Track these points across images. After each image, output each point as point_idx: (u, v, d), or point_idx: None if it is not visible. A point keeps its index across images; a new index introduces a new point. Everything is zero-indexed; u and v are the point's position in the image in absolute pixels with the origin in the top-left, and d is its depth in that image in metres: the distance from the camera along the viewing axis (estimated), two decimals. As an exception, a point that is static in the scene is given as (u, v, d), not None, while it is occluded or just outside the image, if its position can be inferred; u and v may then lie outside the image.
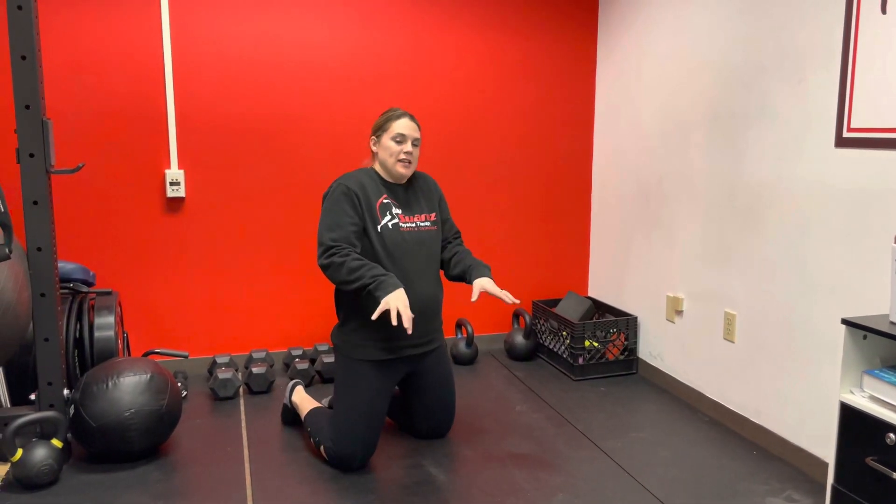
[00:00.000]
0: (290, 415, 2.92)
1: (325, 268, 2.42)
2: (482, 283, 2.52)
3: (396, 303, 2.30)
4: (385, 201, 2.53)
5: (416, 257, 2.55)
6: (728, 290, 2.95)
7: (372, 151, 2.62)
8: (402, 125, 2.53)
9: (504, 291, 2.46)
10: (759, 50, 2.72)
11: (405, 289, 2.49)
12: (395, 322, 2.29)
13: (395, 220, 2.52)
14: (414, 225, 2.57)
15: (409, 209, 2.59)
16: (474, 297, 2.47)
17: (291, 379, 3.35)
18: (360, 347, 2.54)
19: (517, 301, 2.48)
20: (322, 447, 2.57)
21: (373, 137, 2.60)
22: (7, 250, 2.20)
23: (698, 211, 3.12)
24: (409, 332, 2.30)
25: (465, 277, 2.63)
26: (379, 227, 2.50)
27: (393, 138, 2.52)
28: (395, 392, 2.87)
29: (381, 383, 2.56)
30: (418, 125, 2.59)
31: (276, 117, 3.46)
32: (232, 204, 3.46)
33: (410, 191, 2.64)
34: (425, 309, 2.58)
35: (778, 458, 2.68)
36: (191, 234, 3.43)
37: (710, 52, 2.99)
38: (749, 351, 2.85)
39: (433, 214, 2.66)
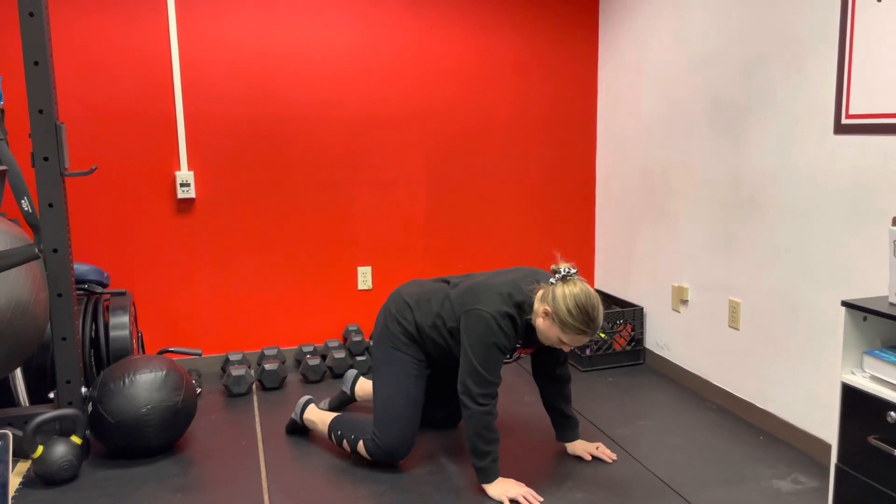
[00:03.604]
0: (296, 428, 2.85)
1: (481, 409, 2.34)
2: (576, 448, 2.64)
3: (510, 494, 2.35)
4: (517, 345, 2.48)
5: None
6: (732, 279, 2.98)
7: (545, 313, 2.33)
8: (580, 341, 2.34)
9: (600, 450, 2.61)
10: (758, 40, 2.75)
11: None
12: None
13: (509, 357, 2.48)
14: (518, 356, 2.57)
15: (523, 346, 2.53)
16: (576, 452, 2.64)
17: (303, 374, 3.40)
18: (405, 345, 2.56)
19: (614, 456, 2.60)
20: (361, 443, 2.52)
21: (550, 310, 2.29)
22: (37, 250, 2.24)
23: (701, 200, 3.15)
24: None
25: (555, 428, 2.69)
26: None
27: (563, 339, 2.33)
28: None
29: (419, 372, 2.55)
30: None
31: (284, 118, 3.50)
32: (241, 204, 3.51)
33: (534, 333, 2.50)
34: None
35: (784, 443, 2.71)
36: (202, 235, 3.48)
37: (711, 42, 3.02)
38: (754, 338, 2.88)
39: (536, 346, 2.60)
